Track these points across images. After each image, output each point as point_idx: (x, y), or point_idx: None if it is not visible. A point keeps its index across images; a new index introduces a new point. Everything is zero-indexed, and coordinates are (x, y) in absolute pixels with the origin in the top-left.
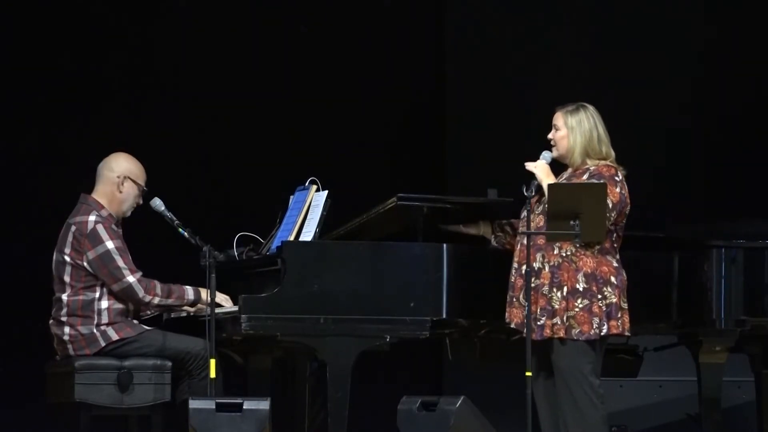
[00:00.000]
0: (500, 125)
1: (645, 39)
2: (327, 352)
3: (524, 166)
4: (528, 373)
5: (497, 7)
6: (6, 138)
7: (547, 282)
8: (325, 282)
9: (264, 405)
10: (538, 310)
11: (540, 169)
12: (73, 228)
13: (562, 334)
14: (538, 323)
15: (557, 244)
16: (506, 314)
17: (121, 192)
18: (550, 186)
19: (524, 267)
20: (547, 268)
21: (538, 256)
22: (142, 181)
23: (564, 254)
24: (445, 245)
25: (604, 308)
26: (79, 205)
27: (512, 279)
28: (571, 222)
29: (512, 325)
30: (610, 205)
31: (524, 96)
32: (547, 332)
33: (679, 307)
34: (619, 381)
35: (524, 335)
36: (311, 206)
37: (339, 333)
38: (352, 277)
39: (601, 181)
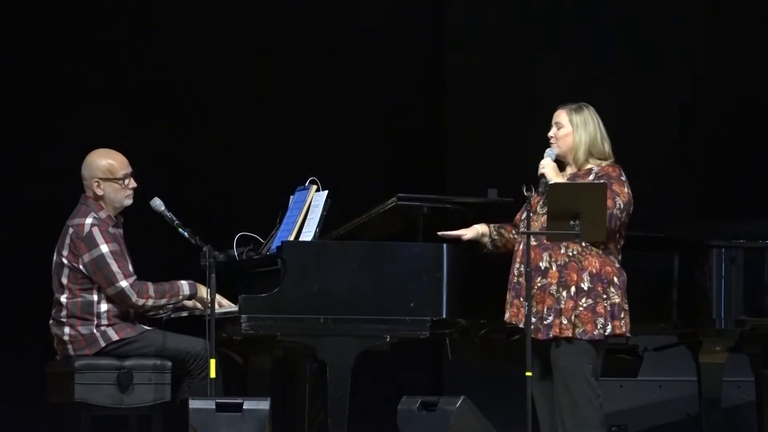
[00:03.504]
0: (500, 125)
1: (645, 38)
2: (327, 352)
3: (523, 166)
4: (528, 373)
5: (497, 7)
6: (7, 137)
7: (554, 281)
8: (325, 282)
9: (264, 405)
10: (545, 310)
11: (549, 168)
12: (71, 231)
13: (569, 333)
14: (545, 322)
15: (564, 243)
16: (507, 314)
17: (101, 194)
18: (550, 186)
19: (524, 267)
20: (554, 268)
21: (545, 255)
22: (118, 171)
23: (571, 254)
24: (445, 245)
25: (608, 308)
26: (79, 206)
27: (514, 279)
28: (571, 222)
29: (520, 325)
30: (622, 206)
31: (525, 96)
32: (555, 331)
33: (679, 307)
34: (619, 381)
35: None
36: (311, 206)
37: (339, 333)
38: (352, 277)
39: (602, 181)
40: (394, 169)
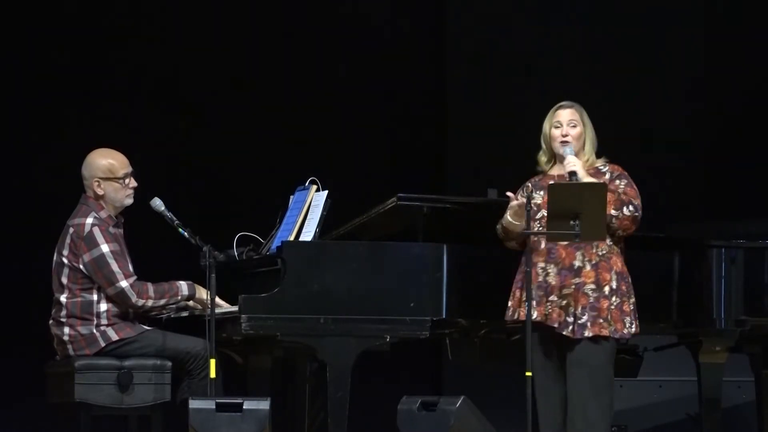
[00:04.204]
0: (500, 125)
1: (645, 39)
2: (327, 352)
3: (524, 166)
4: (528, 373)
5: (497, 8)
6: (7, 137)
7: (589, 280)
8: (325, 282)
9: (264, 405)
10: (580, 309)
11: (580, 165)
12: (71, 230)
13: (606, 332)
14: (579, 322)
15: (594, 242)
16: (535, 313)
17: (101, 194)
18: (550, 186)
19: (552, 266)
20: (588, 267)
21: (578, 254)
22: (119, 170)
23: (600, 253)
24: (445, 245)
25: (631, 307)
26: (79, 206)
27: (539, 278)
28: (571, 222)
29: (556, 326)
30: (640, 204)
31: (524, 97)
32: (595, 330)
33: (679, 307)
34: (619, 381)
35: (566, 334)
36: (311, 206)
37: (339, 333)
38: (352, 277)
39: (602, 181)
40: (394, 169)
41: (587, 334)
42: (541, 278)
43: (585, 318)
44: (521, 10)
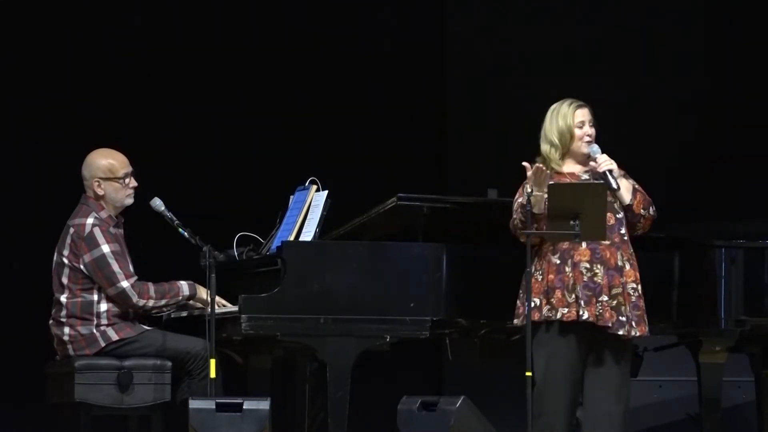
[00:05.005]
0: (500, 125)
1: (645, 39)
2: (327, 352)
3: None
4: (528, 373)
5: (497, 9)
6: (7, 137)
7: (630, 280)
8: (325, 282)
9: (264, 405)
10: (629, 308)
11: (614, 163)
12: (72, 230)
13: (645, 332)
14: (631, 321)
15: (627, 239)
16: (586, 314)
17: (101, 194)
18: (550, 186)
19: (598, 265)
20: (628, 266)
21: (618, 253)
22: (119, 170)
23: (630, 251)
24: (445, 245)
25: (644, 304)
26: (80, 206)
27: (584, 278)
28: (571, 222)
29: (609, 325)
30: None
31: (524, 96)
32: (642, 330)
33: (679, 307)
34: None
35: (621, 333)
36: (311, 206)
37: (339, 333)
38: (352, 277)
39: (601, 182)
40: (394, 169)
41: (635, 333)
42: (586, 278)
43: (632, 317)
44: (521, 10)
